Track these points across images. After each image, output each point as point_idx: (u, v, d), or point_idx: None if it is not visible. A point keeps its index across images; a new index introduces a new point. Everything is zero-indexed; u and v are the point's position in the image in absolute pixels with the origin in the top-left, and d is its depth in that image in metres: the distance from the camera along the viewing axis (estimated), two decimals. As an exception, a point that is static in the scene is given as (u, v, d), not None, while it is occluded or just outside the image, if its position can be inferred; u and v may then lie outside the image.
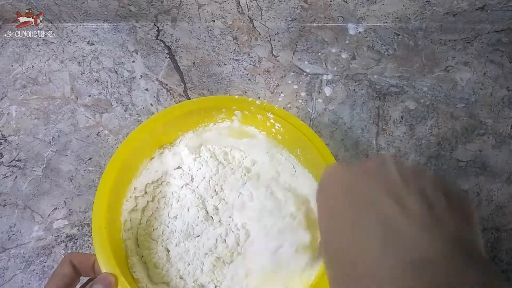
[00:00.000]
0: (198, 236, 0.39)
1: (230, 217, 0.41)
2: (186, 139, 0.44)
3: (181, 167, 0.43)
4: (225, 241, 0.39)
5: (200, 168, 0.43)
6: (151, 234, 0.39)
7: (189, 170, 0.43)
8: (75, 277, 0.31)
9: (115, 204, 0.37)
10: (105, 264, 0.32)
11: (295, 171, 0.43)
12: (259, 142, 0.44)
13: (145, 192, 0.41)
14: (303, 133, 0.40)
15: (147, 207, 0.41)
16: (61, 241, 0.44)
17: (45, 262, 0.43)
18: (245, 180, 0.42)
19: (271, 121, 0.42)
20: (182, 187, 0.42)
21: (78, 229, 0.44)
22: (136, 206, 0.40)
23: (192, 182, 0.42)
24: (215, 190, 0.42)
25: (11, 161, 0.48)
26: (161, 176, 0.43)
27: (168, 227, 0.40)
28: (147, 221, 0.40)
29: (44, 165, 0.48)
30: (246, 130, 0.45)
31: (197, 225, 0.40)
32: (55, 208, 0.45)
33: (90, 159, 0.48)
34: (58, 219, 0.45)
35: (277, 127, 0.42)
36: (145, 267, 0.38)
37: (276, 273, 0.37)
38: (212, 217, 0.41)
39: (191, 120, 0.43)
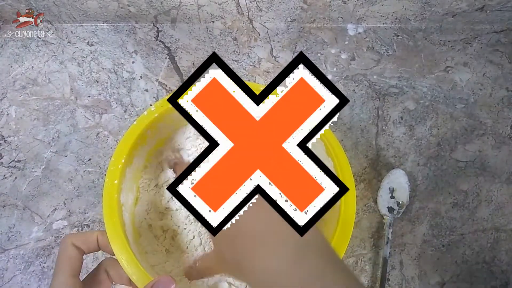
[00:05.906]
0: None
1: None
2: None
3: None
4: None
5: None
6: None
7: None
8: (81, 258, 0.31)
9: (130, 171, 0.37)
10: (112, 236, 0.31)
11: None
12: None
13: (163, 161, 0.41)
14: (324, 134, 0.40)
15: (161, 178, 0.41)
16: (61, 242, 0.44)
17: (45, 263, 0.43)
18: None
19: None
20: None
21: (77, 229, 0.44)
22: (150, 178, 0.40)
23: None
24: None
25: (11, 162, 0.48)
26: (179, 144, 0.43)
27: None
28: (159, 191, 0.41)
29: (43, 166, 0.48)
30: None
31: None
32: (55, 209, 0.45)
33: (89, 160, 0.48)
34: (58, 220, 0.45)
35: None
36: (152, 236, 0.38)
37: None
38: None
39: None
